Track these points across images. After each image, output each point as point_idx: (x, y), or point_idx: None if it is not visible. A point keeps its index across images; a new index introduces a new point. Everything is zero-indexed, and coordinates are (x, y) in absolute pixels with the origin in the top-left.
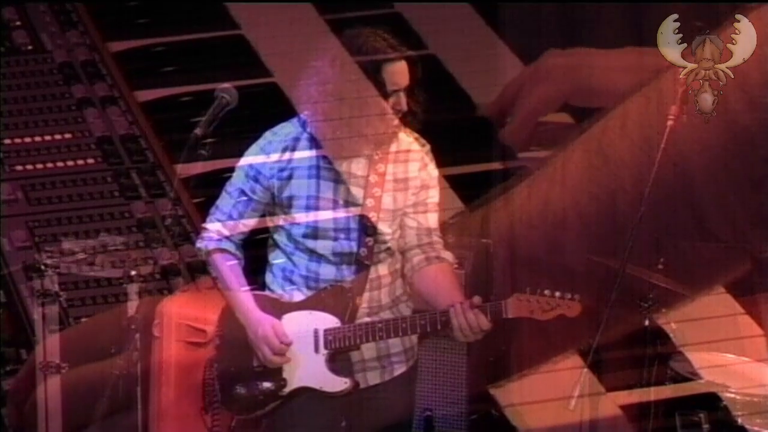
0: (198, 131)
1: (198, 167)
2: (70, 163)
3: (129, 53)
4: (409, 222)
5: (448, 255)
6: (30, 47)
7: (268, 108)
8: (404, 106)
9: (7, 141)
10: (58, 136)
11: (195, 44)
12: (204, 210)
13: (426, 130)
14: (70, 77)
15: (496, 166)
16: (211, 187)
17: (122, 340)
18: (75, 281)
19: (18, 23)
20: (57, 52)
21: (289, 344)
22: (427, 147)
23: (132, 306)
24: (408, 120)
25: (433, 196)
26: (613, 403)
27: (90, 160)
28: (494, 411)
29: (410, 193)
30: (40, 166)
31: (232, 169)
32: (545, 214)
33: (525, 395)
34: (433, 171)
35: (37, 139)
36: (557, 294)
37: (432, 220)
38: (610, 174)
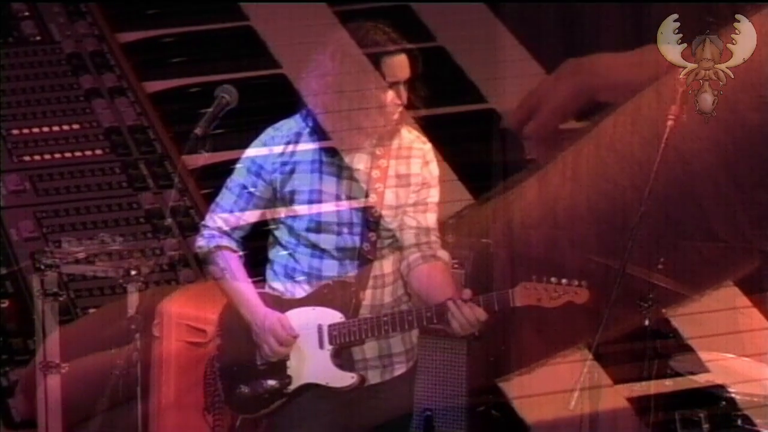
0: (198, 131)
1: (203, 159)
2: (78, 153)
3: (137, 44)
4: (409, 221)
5: (444, 254)
6: (38, 38)
7: (276, 99)
8: (404, 100)
9: (15, 131)
10: (66, 127)
11: (204, 35)
12: (211, 201)
13: (434, 122)
14: (79, 68)
15: (503, 157)
16: (219, 178)
17: (125, 332)
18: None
19: (26, 14)
20: (65, 43)
21: (296, 336)
22: (429, 145)
23: (132, 306)
24: (409, 114)
25: (434, 195)
26: (618, 396)
27: (98, 151)
28: (494, 411)
29: (411, 191)
30: (48, 156)
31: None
32: (555, 210)
33: (529, 388)
34: (434, 169)
35: (45, 129)
36: (564, 281)
37: (431, 219)
38: (621, 170)
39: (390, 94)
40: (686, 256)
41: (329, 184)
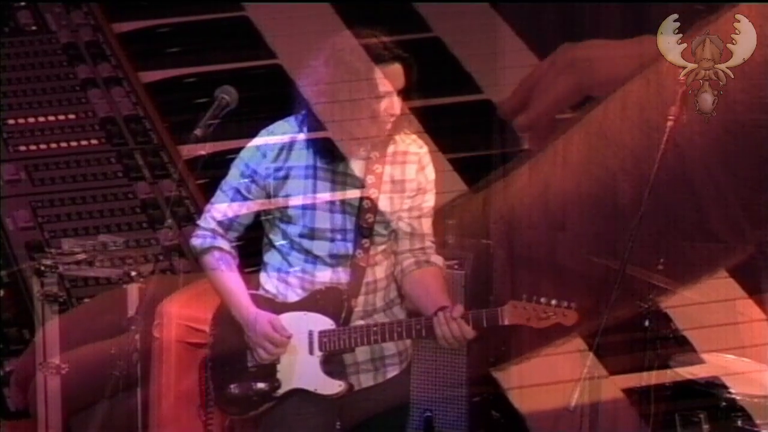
0: (197, 132)
1: (204, 146)
2: (73, 143)
3: (133, 34)
4: (404, 227)
5: (438, 259)
6: (34, 27)
7: (272, 90)
8: (397, 110)
9: (11, 121)
10: (61, 117)
11: (199, 25)
12: (208, 191)
13: (430, 114)
14: (74, 58)
15: (500, 149)
16: (215, 168)
17: (122, 322)
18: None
19: (22, 3)
20: (61, 33)
21: (289, 337)
22: (425, 149)
23: (132, 307)
24: (404, 123)
25: (429, 200)
26: (614, 388)
27: (94, 141)
28: (494, 412)
29: (406, 196)
30: (43, 146)
31: (235, 151)
32: (546, 196)
33: (525, 378)
34: (430, 174)
35: (41, 119)
36: (553, 302)
37: (426, 225)
38: (611, 155)
39: (383, 104)
40: (686, 256)
41: (324, 191)
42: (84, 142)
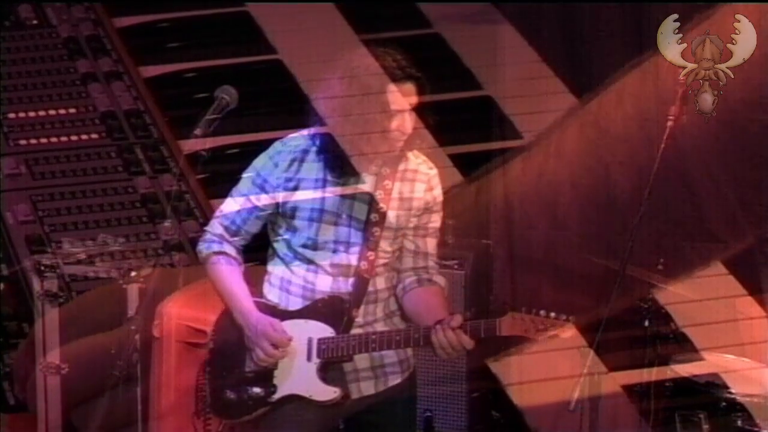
0: (198, 131)
1: (205, 143)
2: (74, 137)
3: (134, 29)
4: (408, 245)
5: (440, 279)
6: (35, 22)
7: (272, 85)
8: (408, 129)
9: (12, 115)
10: (62, 111)
11: (200, 20)
12: (208, 186)
13: (429, 108)
14: (75, 52)
15: (499, 144)
16: (214, 163)
17: (121, 313)
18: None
19: None
20: (62, 27)
21: (289, 339)
22: (435, 171)
23: (132, 307)
24: (416, 140)
25: (435, 220)
26: (614, 385)
27: (94, 135)
28: (494, 412)
29: (413, 214)
30: (44, 140)
31: (236, 146)
32: (539, 185)
33: (527, 375)
34: (438, 195)
35: (41, 113)
36: (552, 314)
37: (431, 245)
38: (605, 146)
39: (395, 122)
40: (685, 256)
41: (331, 203)
42: (84, 137)
